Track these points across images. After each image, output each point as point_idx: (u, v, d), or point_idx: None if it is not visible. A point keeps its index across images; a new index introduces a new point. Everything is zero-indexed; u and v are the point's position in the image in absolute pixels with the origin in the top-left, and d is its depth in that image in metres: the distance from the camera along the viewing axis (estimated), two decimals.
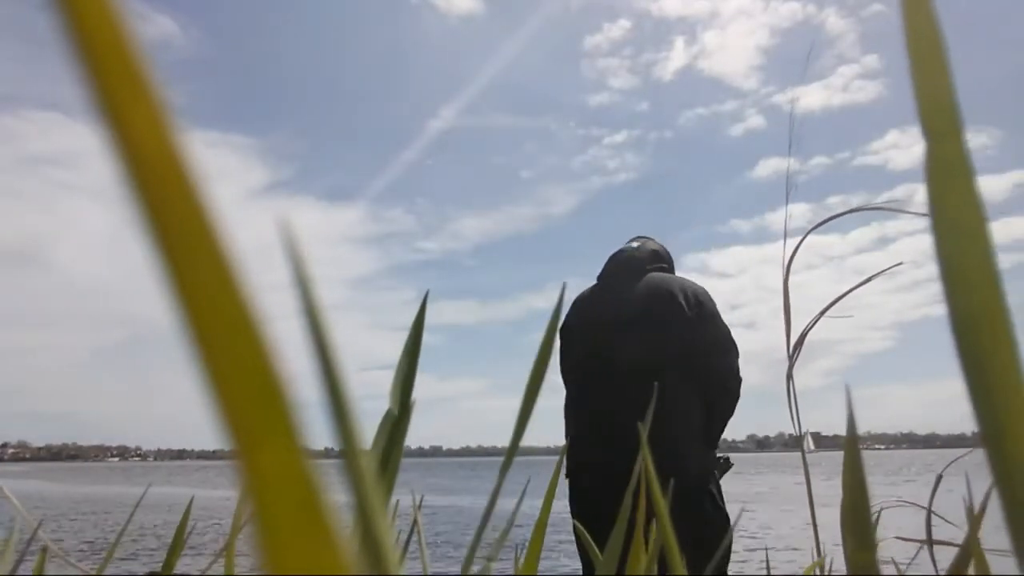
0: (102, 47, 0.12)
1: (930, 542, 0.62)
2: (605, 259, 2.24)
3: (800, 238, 0.73)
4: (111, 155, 0.12)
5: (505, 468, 0.34)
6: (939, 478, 0.71)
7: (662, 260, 2.18)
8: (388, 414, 0.38)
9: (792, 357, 0.68)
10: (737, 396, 2.09)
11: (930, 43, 0.21)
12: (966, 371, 0.20)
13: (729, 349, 2.07)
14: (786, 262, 0.72)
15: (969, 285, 0.20)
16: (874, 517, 0.35)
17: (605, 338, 1.98)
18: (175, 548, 0.66)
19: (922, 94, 0.21)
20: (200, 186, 0.13)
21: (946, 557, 0.53)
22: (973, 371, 0.20)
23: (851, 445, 0.32)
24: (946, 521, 0.67)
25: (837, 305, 0.70)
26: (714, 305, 2.04)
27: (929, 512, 0.67)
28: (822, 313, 0.70)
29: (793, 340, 0.70)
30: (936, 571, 0.58)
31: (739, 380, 2.08)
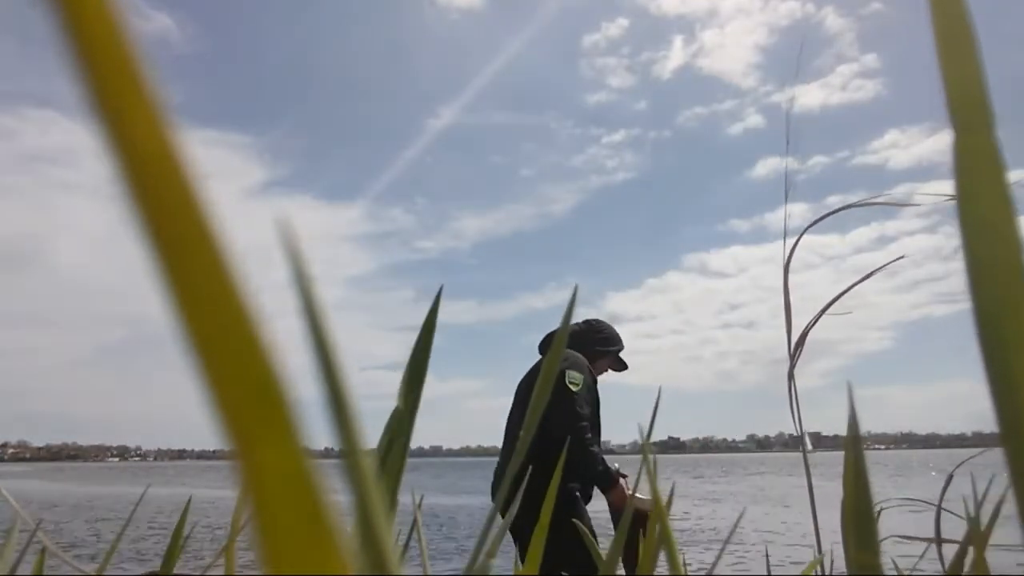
0: (99, 44, 0.12)
1: (939, 540, 0.61)
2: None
3: (796, 237, 0.73)
4: (107, 154, 0.12)
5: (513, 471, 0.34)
6: (950, 477, 0.71)
7: (575, 336, 2.68)
8: (395, 412, 0.38)
9: (793, 357, 0.68)
10: (576, 431, 2.44)
11: (959, 32, 0.21)
12: (988, 366, 0.20)
13: (567, 418, 2.42)
14: (784, 261, 0.71)
15: (995, 280, 0.20)
16: (877, 517, 0.35)
17: (515, 403, 2.73)
18: (173, 548, 0.66)
19: (951, 86, 0.21)
20: (197, 185, 0.13)
21: (948, 556, 0.53)
22: (996, 366, 0.20)
23: (853, 444, 0.32)
24: (953, 514, 0.66)
25: (838, 303, 0.70)
26: (571, 377, 2.44)
27: (939, 511, 0.67)
28: (823, 311, 0.70)
29: (794, 340, 0.69)
30: (944, 570, 0.58)
31: (571, 417, 2.42)
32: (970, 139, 0.21)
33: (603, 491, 2.45)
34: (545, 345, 2.75)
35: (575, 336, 2.68)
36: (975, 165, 0.20)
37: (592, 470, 2.43)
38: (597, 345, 2.72)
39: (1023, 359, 0.19)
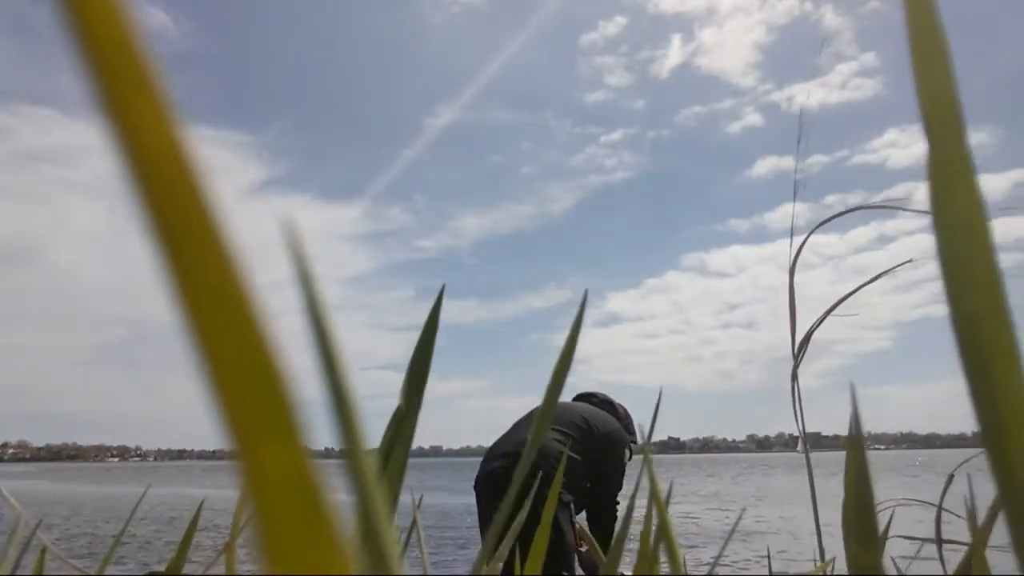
0: (105, 41, 0.12)
1: (939, 541, 0.61)
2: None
3: (804, 237, 0.73)
4: (113, 152, 0.12)
5: (524, 467, 0.34)
6: (951, 477, 0.71)
7: (611, 404, 3.13)
8: (398, 411, 0.38)
9: (797, 357, 0.68)
10: (615, 494, 2.91)
11: (932, 43, 0.21)
12: (967, 371, 0.20)
13: (616, 476, 2.89)
14: (790, 262, 0.71)
15: (971, 285, 0.20)
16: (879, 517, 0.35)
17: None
18: (184, 547, 0.66)
19: (924, 95, 0.22)
20: (204, 183, 0.13)
21: (949, 556, 0.53)
22: (974, 371, 0.20)
23: (856, 443, 0.32)
24: (954, 514, 0.66)
25: (842, 304, 0.70)
26: (614, 432, 2.90)
27: (939, 511, 0.67)
28: (828, 312, 0.70)
29: (798, 340, 0.69)
30: (944, 570, 0.58)
31: (618, 489, 2.91)
32: (943, 148, 0.21)
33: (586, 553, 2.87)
34: (579, 398, 3.22)
35: (622, 416, 3.14)
36: (949, 173, 0.21)
37: (609, 528, 2.85)
38: (630, 432, 3.13)
39: (1000, 362, 0.20)
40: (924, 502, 0.77)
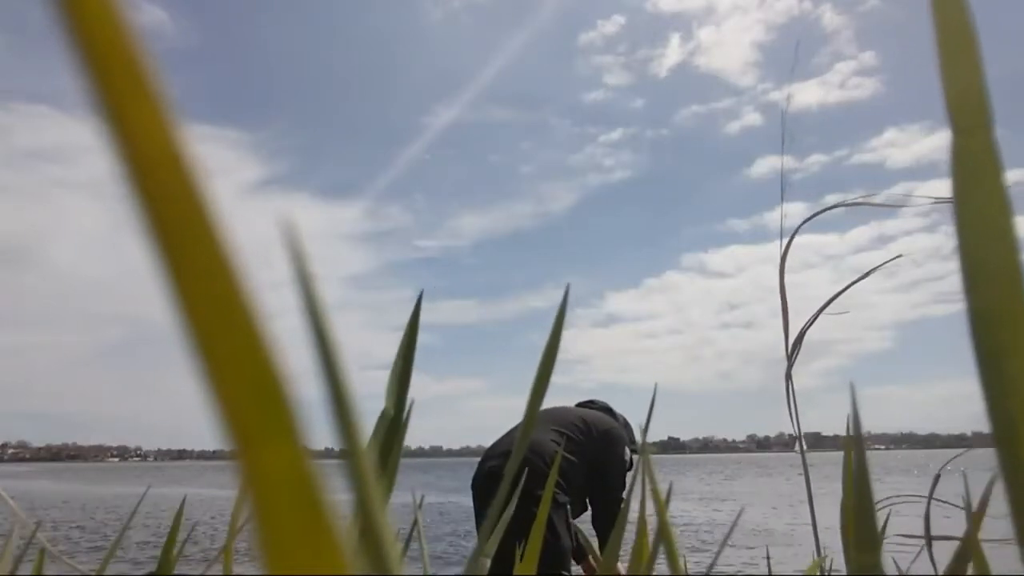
0: (101, 38, 0.12)
1: (929, 539, 0.61)
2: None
3: (791, 235, 0.73)
4: (110, 151, 0.12)
5: (515, 462, 0.34)
6: (937, 477, 0.71)
7: (610, 411, 3.18)
8: (384, 414, 0.38)
9: (791, 357, 0.68)
10: (620, 492, 2.91)
11: (961, 34, 0.21)
12: (982, 368, 0.20)
13: (617, 472, 2.90)
14: (780, 262, 0.71)
15: (991, 281, 0.20)
16: (879, 516, 0.35)
17: (540, 429, 3.00)
18: (169, 547, 0.66)
19: (950, 87, 0.21)
20: (201, 182, 0.13)
21: (948, 554, 0.53)
22: (990, 368, 0.20)
23: (856, 443, 0.32)
24: (954, 506, 0.66)
25: (835, 302, 0.70)
26: (612, 430, 2.94)
27: (928, 506, 0.67)
28: (820, 311, 0.70)
29: (791, 340, 0.69)
30: (935, 569, 0.58)
31: (622, 487, 2.93)
32: (968, 140, 0.21)
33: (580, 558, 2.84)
34: (579, 405, 3.23)
35: (621, 424, 3.14)
36: (973, 166, 0.21)
37: (609, 529, 2.80)
38: (632, 441, 3.13)
39: (1018, 361, 0.19)
40: (922, 496, 0.77)
